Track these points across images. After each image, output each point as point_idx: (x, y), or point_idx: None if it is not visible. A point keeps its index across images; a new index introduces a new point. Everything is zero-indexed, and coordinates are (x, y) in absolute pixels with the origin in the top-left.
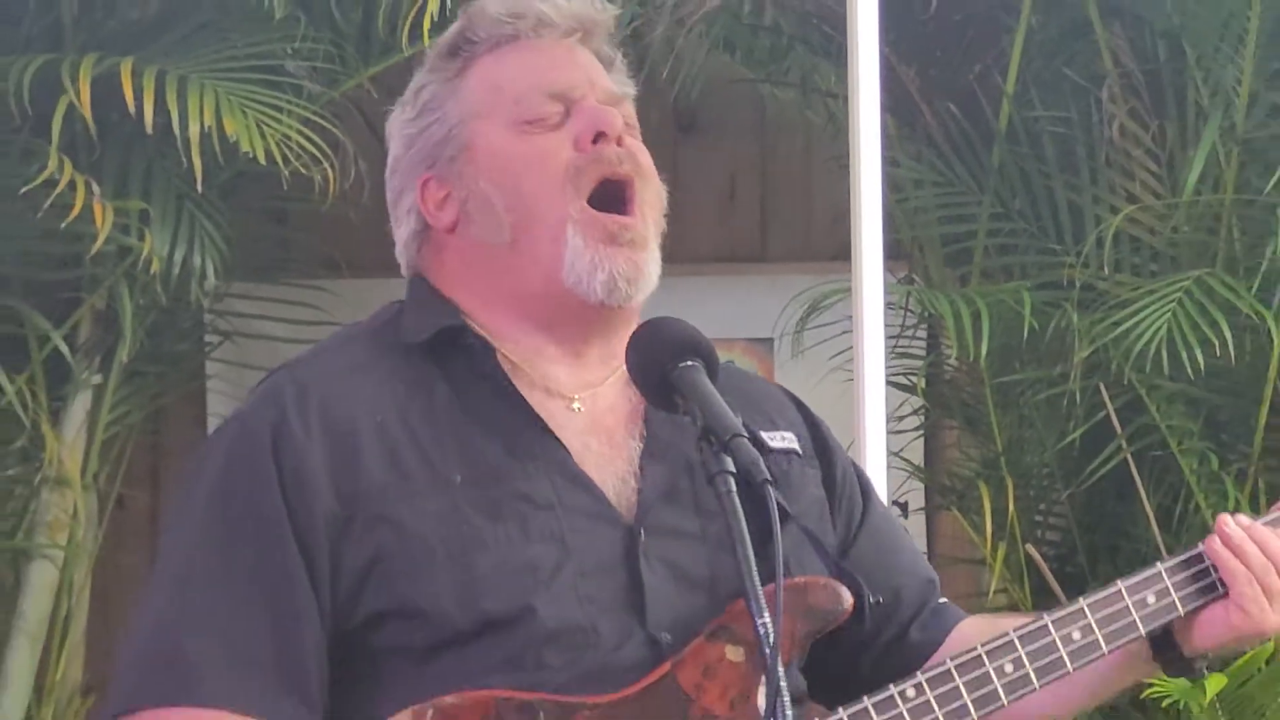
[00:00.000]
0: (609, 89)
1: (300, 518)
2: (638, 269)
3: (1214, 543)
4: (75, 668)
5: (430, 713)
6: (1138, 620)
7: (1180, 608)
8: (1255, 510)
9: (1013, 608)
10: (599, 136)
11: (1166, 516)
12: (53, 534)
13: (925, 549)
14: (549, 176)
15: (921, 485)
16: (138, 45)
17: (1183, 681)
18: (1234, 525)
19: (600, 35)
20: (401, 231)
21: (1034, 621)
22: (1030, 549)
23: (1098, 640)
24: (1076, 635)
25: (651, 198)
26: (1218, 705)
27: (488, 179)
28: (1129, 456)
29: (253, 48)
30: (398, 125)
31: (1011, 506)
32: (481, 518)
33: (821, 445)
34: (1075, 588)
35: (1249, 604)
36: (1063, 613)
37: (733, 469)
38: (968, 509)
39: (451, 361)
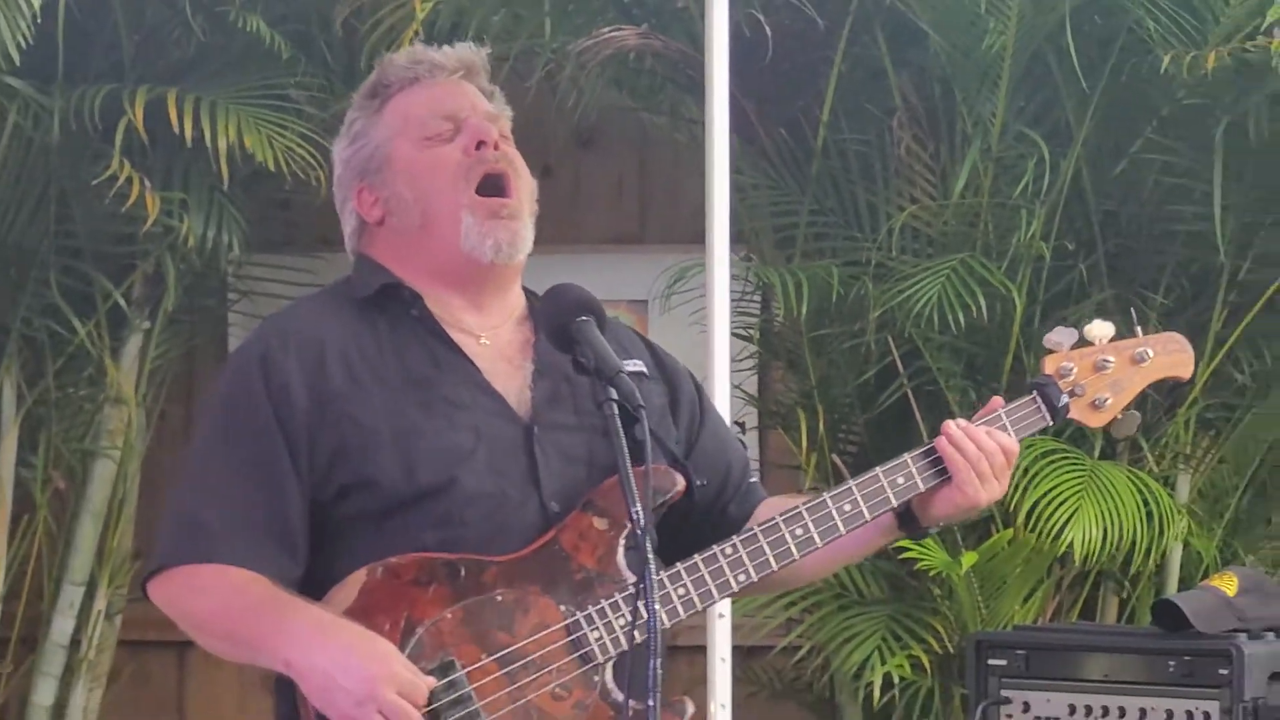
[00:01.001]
0: (488, 110)
1: (284, 420)
2: (515, 235)
3: (941, 441)
4: (127, 538)
5: (380, 570)
6: (891, 496)
7: (921, 486)
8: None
9: None
10: (480, 144)
11: (936, 436)
12: (112, 438)
13: (758, 458)
14: (445, 176)
15: (756, 410)
16: (180, 78)
17: (944, 556)
18: (955, 427)
19: (480, 73)
20: (346, 227)
21: (816, 498)
22: (835, 459)
23: (862, 511)
24: (847, 507)
25: (523, 185)
26: (971, 575)
27: (403, 182)
28: (909, 391)
29: (265, 81)
30: (338, 152)
31: (822, 427)
32: (417, 413)
33: (663, 369)
34: None
35: (966, 486)
36: (837, 490)
37: (616, 397)
38: (790, 428)
39: (389, 309)
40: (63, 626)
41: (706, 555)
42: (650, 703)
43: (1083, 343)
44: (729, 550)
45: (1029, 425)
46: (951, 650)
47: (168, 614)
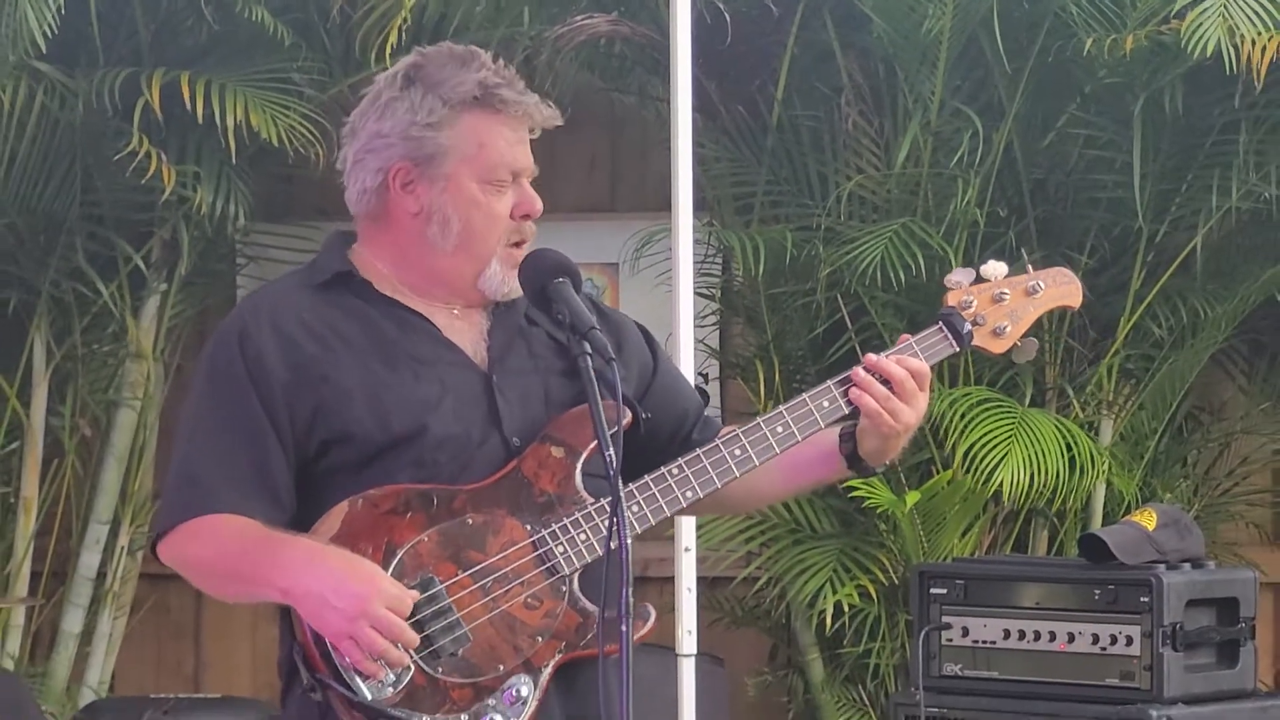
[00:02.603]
0: (534, 169)
1: (261, 387)
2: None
3: (852, 389)
4: (148, 480)
5: (360, 501)
6: (818, 418)
7: (845, 409)
8: (938, 379)
9: None
10: (525, 215)
11: None
12: (133, 390)
13: (720, 406)
14: (494, 227)
15: (718, 362)
16: (193, 62)
17: (890, 495)
18: (862, 372)
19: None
20: (360, 176)
21: (752, 422)
22: None
23: (793, 431)
24: (779, 429)
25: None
26: (914, 512)
27: (454, 209)
28: (856, 344)
29: (269, 65)
30: (398, 114)
31: (778, 377)
32: (385, 370)
33: (607, 323)
34: None
35: (880, 424)
36: (770, 415)
37: (589, 350)
38: (748, 378)
39: (348, 292)
40: (89, 561)
41: (655, 476)
42: (623, 628)
43: (980, 280)
44: (675, 471)
45: (938, 352)
46: (897, 580)
47: (177, 569)
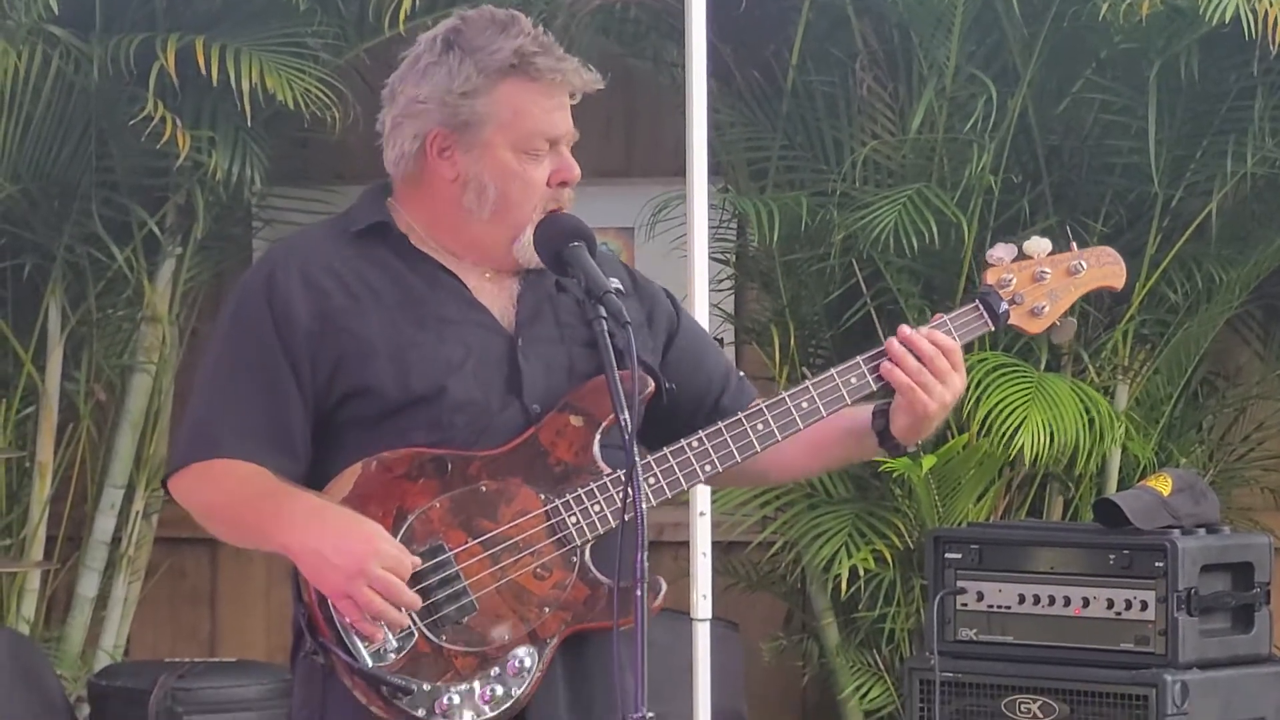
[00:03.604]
0: (574, 134)
1: (285, 337)
2: None
3: (884, 363)
4: (163, 445)
5: (374, 464)
6: (845, 394)
7: (873, 386)
8: None
9: None
10: (563, 182)
11: None
12: (149, 355)
13: None
14: (530, 195)
15: (732, 327)
16: (208, 27)
17: (906, 460)
18: (897, 344)
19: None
20: (398, 140)
21: (777, 396)
22: (805, 371)
23: (819, 407)
24: (804, 404)
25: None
26: (930, 477)
27: (490, 177)
28: (872, 309)
29: (284, 29)
30: (436, 79)
31: (792, 343)
32: (410, 327)
33: (639, 288)
34: None
35: (913, 401)
36: (795, 389)
37: (605, 314)
38: (764, 343)
39: (382, 243)
40: (105, 525)
41: (674, 448)
42: (638, 592)
43: (1021, 257)
44: (695, 444)
45: (972, 330)
46: (912, 545)
47: (185, 507)
